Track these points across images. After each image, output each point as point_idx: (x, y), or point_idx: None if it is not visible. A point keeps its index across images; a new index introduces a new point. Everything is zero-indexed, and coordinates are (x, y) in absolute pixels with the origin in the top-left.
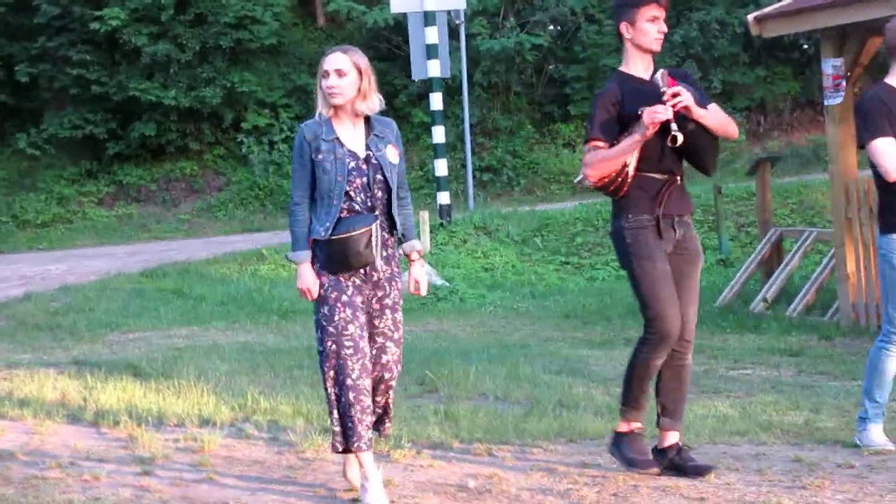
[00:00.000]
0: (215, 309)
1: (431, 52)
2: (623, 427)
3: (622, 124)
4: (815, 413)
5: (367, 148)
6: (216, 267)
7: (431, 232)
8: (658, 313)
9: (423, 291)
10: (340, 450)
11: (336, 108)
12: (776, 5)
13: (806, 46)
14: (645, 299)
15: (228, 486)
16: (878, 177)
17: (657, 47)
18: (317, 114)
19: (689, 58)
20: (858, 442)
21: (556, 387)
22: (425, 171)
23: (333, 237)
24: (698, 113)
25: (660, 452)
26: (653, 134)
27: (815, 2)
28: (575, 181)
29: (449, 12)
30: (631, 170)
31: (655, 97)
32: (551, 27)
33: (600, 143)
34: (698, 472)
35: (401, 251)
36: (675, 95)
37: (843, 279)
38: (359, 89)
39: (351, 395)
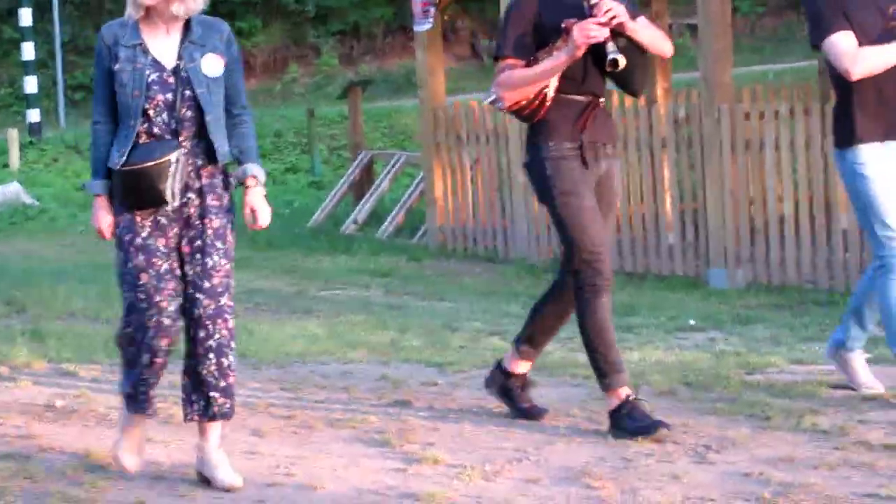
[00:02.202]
0: None
1: None
2: (615, 402)
3: (541, 38)
4: (401, 332)
5: (179, 57)
6: None
7: (21, 150)
8: (592, 253)
9: (263, 222)
10: (129, 413)
11: (148, 8)
12: None
13: None
14: (575, 239)
15: None
16: (835, 75)
17: None
18: (126, 15)
19: None
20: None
21: None
22: (15, 87)
23: (125, 167)
24: (631, 27)
25: (503, 372)
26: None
27: None
28: (484, 102)
29: None
30: (551, 91)
31: (578, 7)
32: None
33: (513, 62)
34: (526, 414)
35: (234, 178)
36: (608, 12)
37: (431, 202)
38: None
39: (144, 357)
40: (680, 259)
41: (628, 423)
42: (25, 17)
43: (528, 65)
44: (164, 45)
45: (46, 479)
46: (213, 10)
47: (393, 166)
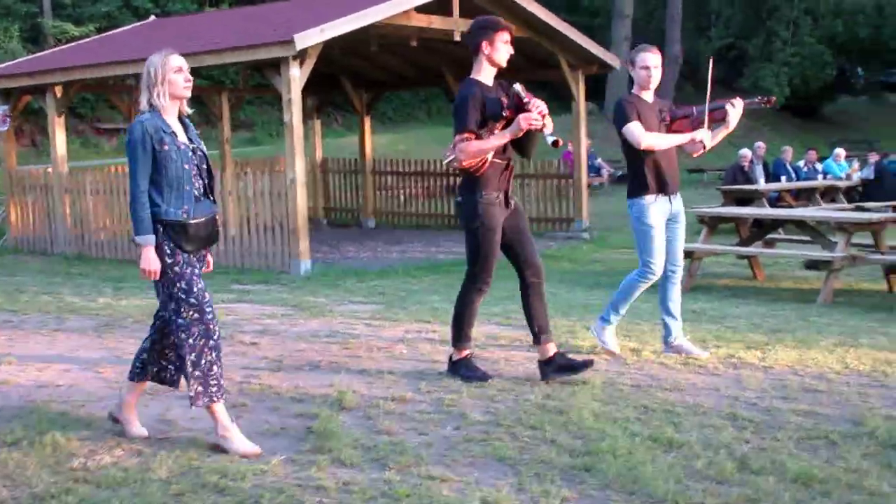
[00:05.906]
0: None
1: None
2: (457, 356)
3: (482, 120)
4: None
5: (191, 141)
6: None
7: None
8: (486, 269)
9: (210, 268)
10: (211, 403)
11: (170, 103)
12: None
13: None
14: (479, 259)
15: None
16: (629, 150)
17: (505, 63)
18: (148, 110)
19: None
20: (595, 335)
21: None
22: None
23: (196, 219)
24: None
25: (548, 362)
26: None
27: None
28: (444, 161)
29: None
30: (490, 156)
31: (500, 103)
32: None
33: (471, 135)
34: (585, 365)
35: None
36: (539, 107)
37: (8, 224)
38: None
39: (214, 355)
40: None
41: (464, 371)
42: None
43: (478, 137)
44: (180, 132)
45: None
46: None
47: None
